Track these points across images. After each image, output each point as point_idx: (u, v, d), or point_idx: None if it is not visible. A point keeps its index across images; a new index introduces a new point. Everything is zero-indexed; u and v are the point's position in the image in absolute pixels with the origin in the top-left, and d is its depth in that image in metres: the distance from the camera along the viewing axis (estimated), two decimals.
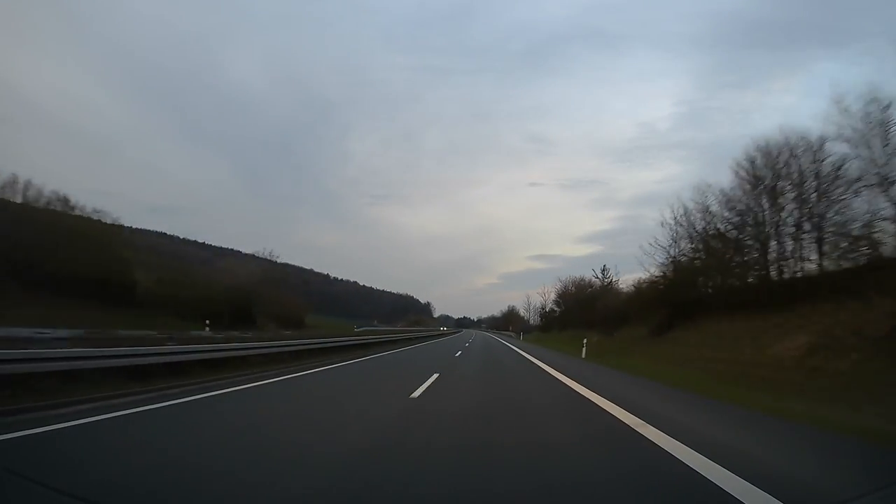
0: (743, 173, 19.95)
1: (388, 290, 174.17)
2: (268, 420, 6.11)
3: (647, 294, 26.77)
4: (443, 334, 68.40)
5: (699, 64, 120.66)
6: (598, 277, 50.90)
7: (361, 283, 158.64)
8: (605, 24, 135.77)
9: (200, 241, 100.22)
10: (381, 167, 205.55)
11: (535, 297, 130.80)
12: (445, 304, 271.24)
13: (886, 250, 13.90)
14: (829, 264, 16.11)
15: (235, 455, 4.18)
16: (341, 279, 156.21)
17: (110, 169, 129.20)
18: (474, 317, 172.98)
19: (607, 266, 51.14)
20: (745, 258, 19.87)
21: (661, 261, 25.02)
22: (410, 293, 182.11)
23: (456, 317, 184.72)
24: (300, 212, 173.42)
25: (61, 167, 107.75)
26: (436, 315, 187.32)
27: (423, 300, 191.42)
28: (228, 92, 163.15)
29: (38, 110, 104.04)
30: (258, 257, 59.90)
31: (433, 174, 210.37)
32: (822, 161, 16.36)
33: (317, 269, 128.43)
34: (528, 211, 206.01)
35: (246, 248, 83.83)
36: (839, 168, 15.67)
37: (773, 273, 18.31)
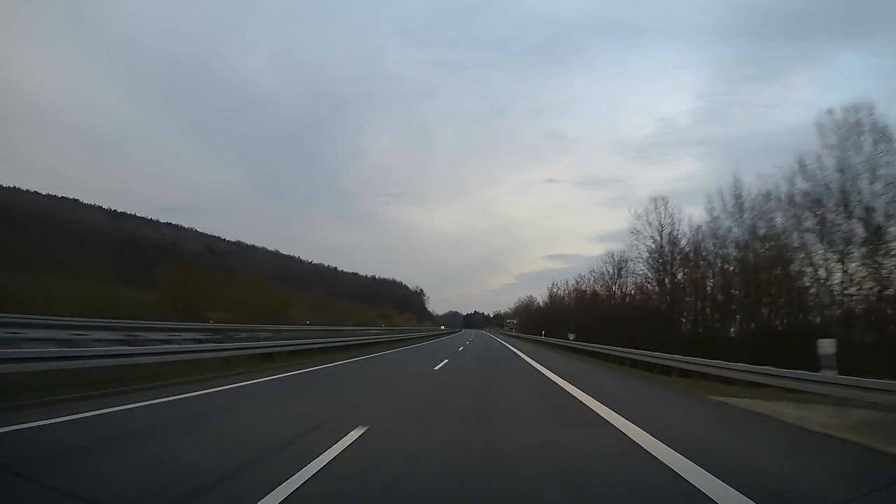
0: None
1: (363, 274, 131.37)
2: None
3: None
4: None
5: (720, 57, 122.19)
6: None
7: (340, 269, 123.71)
8: (624, 16, 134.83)
9: None
10: (396, 165, 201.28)
11: None
12: (458, 302, 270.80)
13: None
14: None
15: None
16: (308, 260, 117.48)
17: (120, 168, 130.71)
18: (490, 312, 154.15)
19: None
20: None
21: None
22: (400, 279, 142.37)
23: (465, 313, 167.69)
24: (312, 210, 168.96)
25: (70, 166, 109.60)
26: (430, 307, 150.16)
27: (412, 286, 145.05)
28: (239, 89, 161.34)
29: (46, 109, 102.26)
30: None
31: (449, 172, 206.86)
32: None
33: (284, 252, 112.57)
34: (545, 210, 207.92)
35: None
36: None
37: None
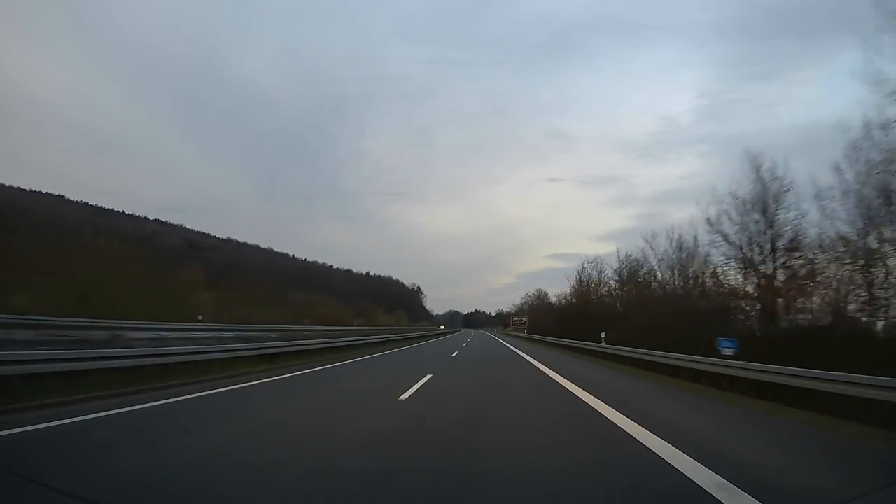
0: None
1: (356, 271, 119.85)
2: None
3: None
4: None
5: (723, 54, 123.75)
6: None
7: (333, 266, 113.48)
8: (626, 13, 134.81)
9: None
10: (397, 165, 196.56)
11: None
12: (459, 302, 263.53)
13: None
14: None
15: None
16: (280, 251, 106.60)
17: (120, 168, 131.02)
18: (492, 311, 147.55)
19: None
20: None
21: None
22: (397, 276, 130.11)
23: (465, 312, 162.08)
24: (314, 210, 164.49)
25: (70, 166, 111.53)
26: (430, 306, 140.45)
27: (409, 284, 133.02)
28: (240, 88, 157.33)
29: (45, 108, 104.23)
30: None
31: (450, 172, 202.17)
32: None
33: (277, 249, 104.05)
34: (547, 209, 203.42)
35: None
36: None
37: None
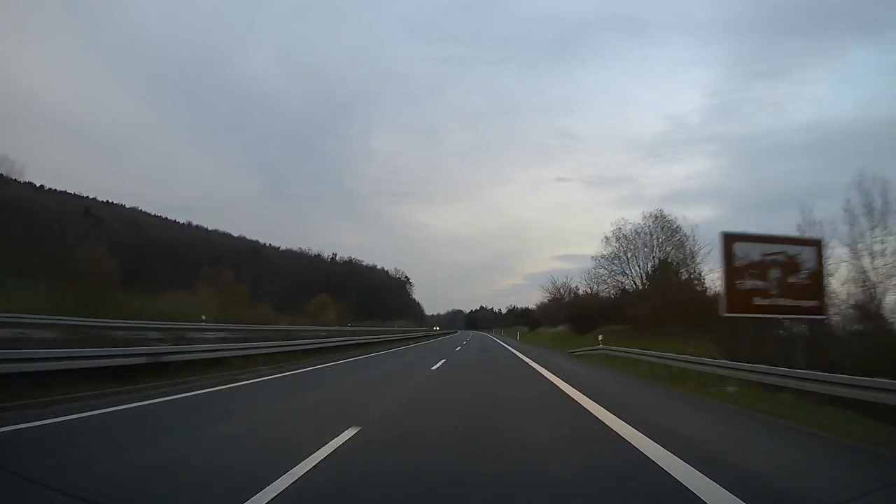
0: None
1: (318, 253, 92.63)
2: None
3: None
4: None
5: (731, 53, 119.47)
6: None
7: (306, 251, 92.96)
8: (634, 11, 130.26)
9: None
10: (404, 164, 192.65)
11: None
12: (464, 302, 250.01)
13: None
14: None
15: None
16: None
17: (122, 168, 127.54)
18: (501, 308, 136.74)
19: None
20: None
21: None
22: (381, 265, 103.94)
23: (468, 311, 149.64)
24: (320, 210, 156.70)
25: (71, 166, 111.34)
26: (428, 303, 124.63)
27: (393, 271, 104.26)
28: (244, 88, 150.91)
29: (47, 108, 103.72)
30: None
31: (457, 172, 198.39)
32: None
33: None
34: (554, 209, 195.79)
35: None
36: None
37: None
